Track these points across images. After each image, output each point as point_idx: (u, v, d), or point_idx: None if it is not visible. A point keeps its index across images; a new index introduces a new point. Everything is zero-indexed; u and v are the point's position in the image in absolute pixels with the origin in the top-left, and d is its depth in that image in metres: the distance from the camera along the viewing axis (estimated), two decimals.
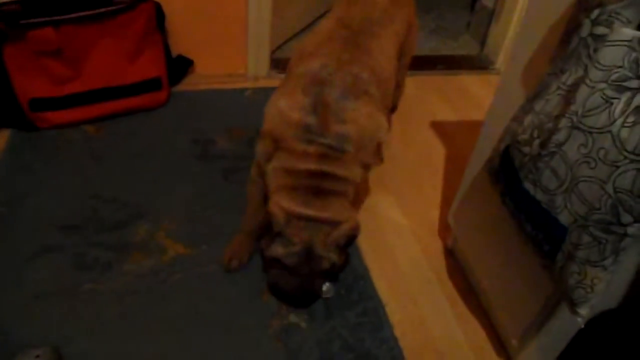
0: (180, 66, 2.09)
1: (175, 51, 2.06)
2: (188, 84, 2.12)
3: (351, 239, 1.20)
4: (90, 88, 1.81)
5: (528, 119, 0.94)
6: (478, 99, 2.33)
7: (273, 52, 2.34)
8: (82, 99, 1.81)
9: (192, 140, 1.84)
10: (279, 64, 2.33)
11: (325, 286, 1.28)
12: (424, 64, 2.53)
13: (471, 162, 1.41)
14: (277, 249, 1.17)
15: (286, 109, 1.19)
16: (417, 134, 2.05)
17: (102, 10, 1.72)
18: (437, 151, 1.97)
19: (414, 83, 2.38)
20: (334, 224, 1.16)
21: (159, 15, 1.89)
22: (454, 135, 2.05)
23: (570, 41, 0.86)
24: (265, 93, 2.06)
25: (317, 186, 1.17)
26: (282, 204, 1.16)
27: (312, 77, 1.20)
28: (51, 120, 1.78)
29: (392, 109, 1.82)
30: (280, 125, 1.19)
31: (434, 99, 2.28)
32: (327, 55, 1.24)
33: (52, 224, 1.48)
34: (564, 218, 0.86)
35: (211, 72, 2.16)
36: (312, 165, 1.16)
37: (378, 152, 1.28)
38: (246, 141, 1.86)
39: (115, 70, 1.84)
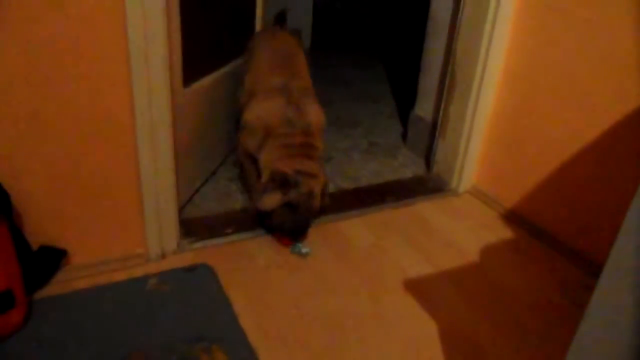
0: (47, 261, 1.44)
1: (37, 240, 1.42)
2: (61, 283, 1.46)
3: (326, 188, 1.75)
4: None
5: None
6: (444, 233, 1.89)
7: (180, 214, 1.77)
8: None
9: None
10: (192, 228, 1.75)
11: (306, 248, 1.71)
12: (371, 198, 2.08)
13: None
14: (290, 193, 1.62)
15: (270, 107, 1.72)
16: (392, 309, 1.51)
17: None
18: (426, 333, 1.44)
19: (366, 226, 1.90)
20: (317, 177, 1.67)
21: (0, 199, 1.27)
22: (441, 302, 1.55)
23: None
24: (179, 279, 1.50)
25: (308, 154, 1.69)
26: (291, 166, 1.63)
27: (278, 87, 1.75)
28: None
29: None
30: (269, 119, 1.71)
31: (396, 245, 1.80)
32: (279, 75, 1.79)
33: None
34: None
35: (95, 259, 1.52)
36: (301, 140, 1.69)
37: (322, 136, 1.81)
38: None
39: None
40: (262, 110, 1.73)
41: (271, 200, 1.63)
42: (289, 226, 1.67)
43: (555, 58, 1.76)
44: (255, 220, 1.79)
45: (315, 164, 1.70)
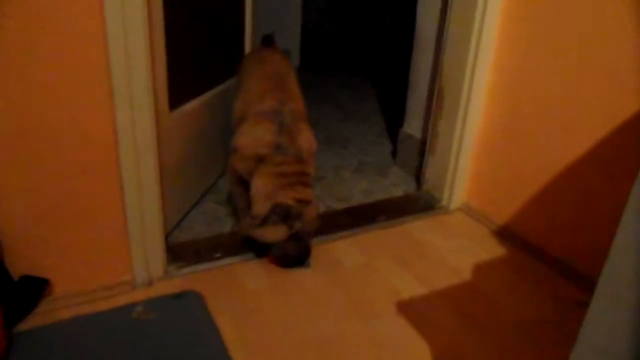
0: (29, 291, 1.40)
1: (18, 270, 1.38)
2: (44, 314, 1.42)
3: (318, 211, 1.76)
4: None
5: None
6: (436, 252, 1.86)
7: (167, 239, 1.74)
8: None
9: None
10: (179, 253, 1.72)
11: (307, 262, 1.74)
12: (362, 218, 2.06)
13: None
14: (295, 225, 1.62)
15: (261, 134, 1.66)
16: (385, 332, 1.48)
17: None
18: (421, 355, 1.41)
19: (357, 246, 1.87)
20: (312, 203, 1.68)
21: None
22: (435, 323, 1.52)
23: None
24: (166, 306, 1.47)
25: (302, 181, 1.66)
26: (290, 195, 1.61)
27: (269, 112, 1.69)
28: None
29: None
30: (259, 146, 1.65)
31: (387, 265, 1.77)
32: (271, 98, 1.72)
33: None
34: None
35: (79, 288, 1.48)
36: (295, 168, 1.65)
37: (313, 161, 1.77)
38: None
39: None
40: (252, 137, 1.67)
41: (275, 233, 1.63)
42: (294, 256, 1.68)
43: (542, 71, 1.76)
44: (244, 244, 1.76)
45: (309, 190, 1.68)
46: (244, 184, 1.73)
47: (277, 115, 1.68)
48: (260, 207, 1.61)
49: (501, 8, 1.85)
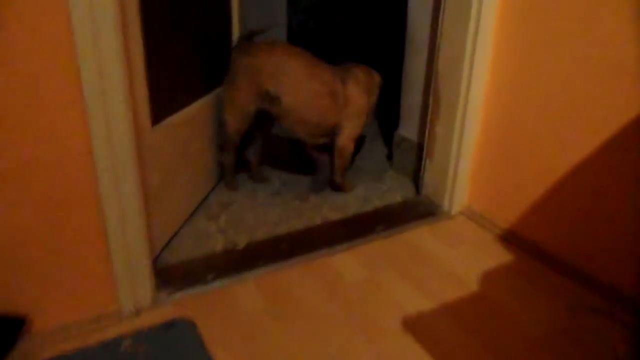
0: (5, 333, 1.29)
1: None
2: (24, 356, 1.30)
3: None
4: None
5: None
6: (440, 262, 1.77)
7: (156, 262, 1.63)
8: None
9: None
10: (169, 277, 1.61)
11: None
12: (360, 228, 1.96)
13: None
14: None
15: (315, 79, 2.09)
16: (392, 351, 1.38)
17: None
18: None
19: (357, 259, 1.78)
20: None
21: None
22: (443, 339, 1.43)
23: None
24: (155, 337, 1.38)
25: (353, 67, 2.29)
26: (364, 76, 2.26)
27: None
28: None
29: None
30: (330, 82, 2.11)
31: (390, 279, 1.68)
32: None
33: None
34: None
35: (61, 323, 1.37)
36: (344, 69, 2.22)
37: None
38: None
39: None
40: (313, 82, 2.06)
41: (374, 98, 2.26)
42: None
43: (542, 70, 1.68)
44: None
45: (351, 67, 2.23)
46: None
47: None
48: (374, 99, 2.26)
49: (498, 4, 1.76)
